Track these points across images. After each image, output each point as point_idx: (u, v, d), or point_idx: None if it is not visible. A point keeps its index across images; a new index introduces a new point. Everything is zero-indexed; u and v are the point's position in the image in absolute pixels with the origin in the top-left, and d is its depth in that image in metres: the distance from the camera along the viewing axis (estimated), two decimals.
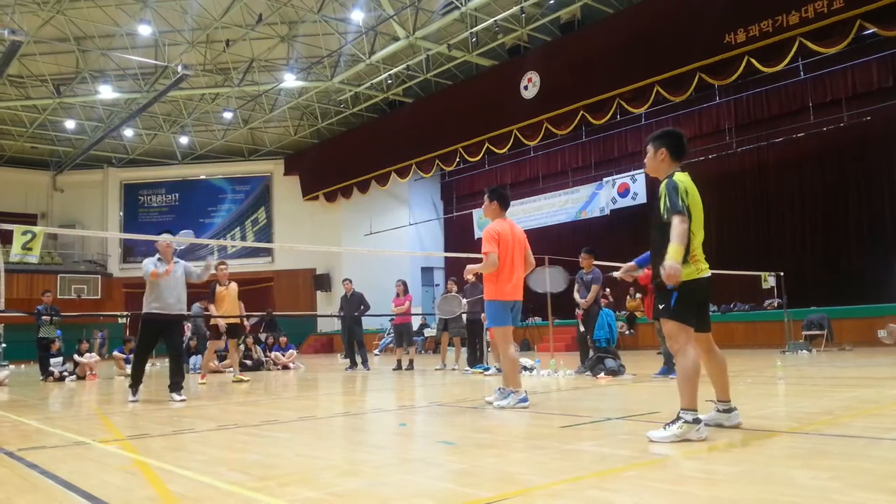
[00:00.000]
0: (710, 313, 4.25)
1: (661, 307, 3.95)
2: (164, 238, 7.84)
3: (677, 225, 3.78)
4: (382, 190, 25.44)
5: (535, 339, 19.86)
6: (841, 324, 13.69)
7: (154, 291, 7.56)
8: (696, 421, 3.71)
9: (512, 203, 24.29)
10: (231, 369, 14.12)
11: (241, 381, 10.45)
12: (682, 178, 3.97)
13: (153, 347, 8.01)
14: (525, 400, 5.68)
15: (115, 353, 14.31)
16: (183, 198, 29.81)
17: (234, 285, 11.05)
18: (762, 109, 18.37)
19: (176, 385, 7.55)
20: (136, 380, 7.66)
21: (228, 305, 10.90)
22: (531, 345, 19.80)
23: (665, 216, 3.84)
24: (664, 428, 3.72)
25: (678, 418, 3.72)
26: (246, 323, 13.13)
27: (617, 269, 4.97)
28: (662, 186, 3.95)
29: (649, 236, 4.09)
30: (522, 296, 6.02)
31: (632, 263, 4.69)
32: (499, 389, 5.88)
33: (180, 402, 7.28)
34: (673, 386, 7.28)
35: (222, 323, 10.88)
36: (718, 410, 4.13)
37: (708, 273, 3.99)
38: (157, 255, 7.74)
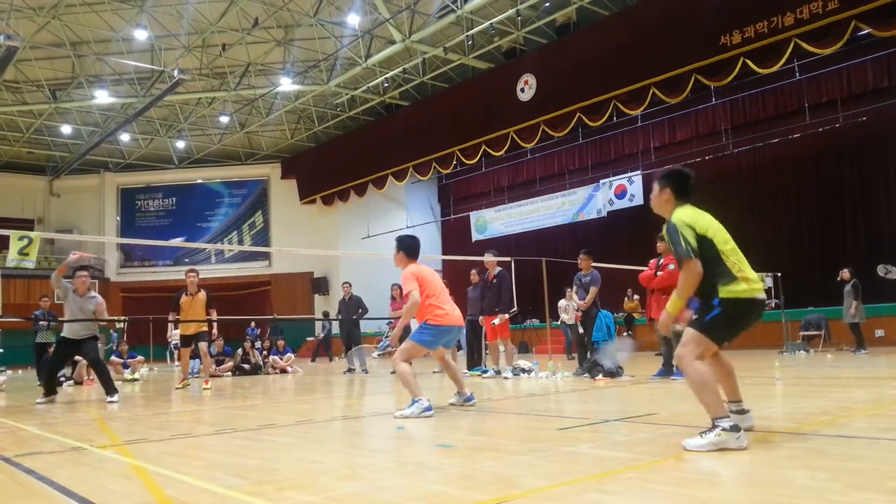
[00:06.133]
0: None
1: (695, 317, 3.73)
2: (81, 275, 8.68)
3: (683, 276, 3.64)
4: (379, 193, 25.44)
5: (533, 342, 19.85)
6: (838, 324, 13.71)
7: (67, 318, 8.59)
8: (735, 429, 3.43)
9: (509, 205, 24.23)
10: (228, 373, 14.16)
11: (186, 385, 10.46)
12: (682, 214, 3.77)
13: (64, 364, 9.18)
14: (429, 409, 5.47)
15: (113, 357, 14.29)
16: (180, 202, 29.78)
17: (202, 294, 10.54)
18: (758, 110, 18.41)
19: (108, 390, 8.28)
20: (48, 387, 8.46)
21: (193, 315, 10.52)
22: (529, 347, 19.79)
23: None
24: (700, 436, 3.48)
25: (714, 427, 3.46)
26: (214, 330, 12.73)
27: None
28: (664, 231, 3.85)
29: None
30: (463, 323, 6.13)
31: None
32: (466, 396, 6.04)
33: (114, 402, 8.00)
34: (671, 387, 7.29)
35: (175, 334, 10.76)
36: (732, 412, 3.87)
37: (761, 294, 3.68)
38: (73, 288, 8.52)
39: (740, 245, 3.84)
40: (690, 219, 3.71)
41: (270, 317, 17.74)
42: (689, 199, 3.90)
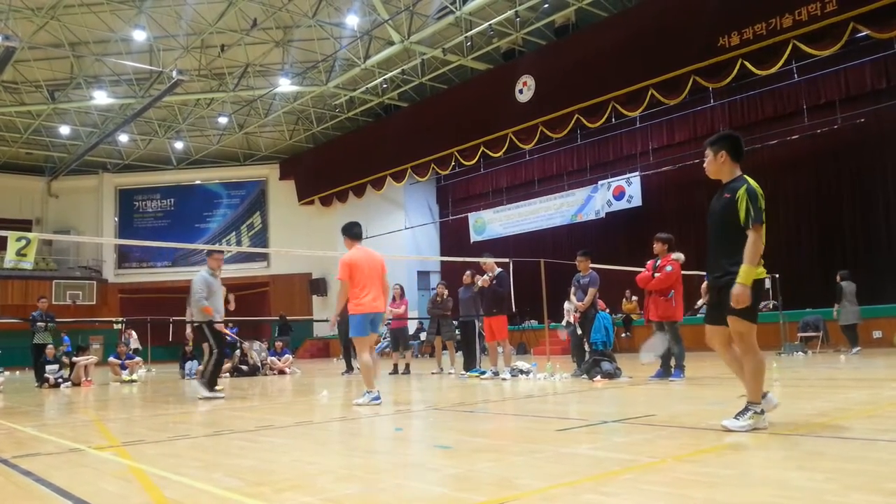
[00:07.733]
0: (707, 315, 4.36)
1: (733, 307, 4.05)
2: (213, 253, 8.78)
3: (754, 241, 3.89)
4: (378, 194, 25.43)
5: (531, 343, 19.83)
6: (836, 325, 13.73)
7: (211, 301, 8.40)
8: (762, 412, 4.04)
9: (508, 206, 24.21)
10: (226, 374, 14.12)
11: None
12: (755, 184, 4.06)
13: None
14: (378, 398, 6.49)
15: (111, 358, 14.26)
16: (178, 203, 29.77)
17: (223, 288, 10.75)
18: (756, 112, 18.42)
19: (211, 385, 8.38)
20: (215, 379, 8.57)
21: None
22: (528, 348, 19.78)
23: (745, 223, 3.93)
24: (736, 418, 4.00)
25: (747, 409, 4.00)
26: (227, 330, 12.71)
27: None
28: (742, 191, 3.98)
29: (713, 234, 4.20)
30: (384, 308, 6.92)
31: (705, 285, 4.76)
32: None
33: (218, 397, 8.13)
34: (669, 388, 7.30)
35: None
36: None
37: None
38: (208, 269, 8.54)
39: None
40: (761, 191, 4.04)
41: (277, 317, 17.67)
42: (741, 161, 4.18)
